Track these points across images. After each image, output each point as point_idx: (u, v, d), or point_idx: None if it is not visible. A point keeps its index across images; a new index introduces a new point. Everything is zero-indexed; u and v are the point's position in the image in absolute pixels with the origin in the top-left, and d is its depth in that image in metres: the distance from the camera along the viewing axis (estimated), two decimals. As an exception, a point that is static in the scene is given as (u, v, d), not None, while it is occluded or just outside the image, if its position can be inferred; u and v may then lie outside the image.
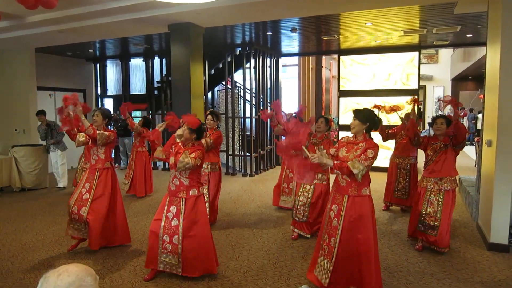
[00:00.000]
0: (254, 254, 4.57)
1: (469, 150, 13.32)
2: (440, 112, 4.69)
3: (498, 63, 4.51)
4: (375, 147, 3.40)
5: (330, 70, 16.38)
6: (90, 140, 4.68)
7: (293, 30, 7.86)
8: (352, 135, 3.61)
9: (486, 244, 4.67)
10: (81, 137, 4.67)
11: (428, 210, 4.51)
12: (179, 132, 3.79)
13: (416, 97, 4.73)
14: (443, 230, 4.43)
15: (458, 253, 4.51)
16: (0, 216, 6.30)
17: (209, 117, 5.58)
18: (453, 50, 17.85)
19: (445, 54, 19.67)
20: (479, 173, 5.51)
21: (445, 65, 19.84)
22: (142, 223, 5.82)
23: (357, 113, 3.52)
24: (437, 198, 4.48)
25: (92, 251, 4.66)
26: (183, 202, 3.80)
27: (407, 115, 6.32)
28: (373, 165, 3.52)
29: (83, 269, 1.39)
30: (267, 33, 8.49)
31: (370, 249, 3.39)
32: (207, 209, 5.20)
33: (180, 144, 3.77)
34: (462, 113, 16.35)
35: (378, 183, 7.39)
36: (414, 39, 9.00)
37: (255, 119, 9.81)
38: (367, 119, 3.49)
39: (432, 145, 4.60)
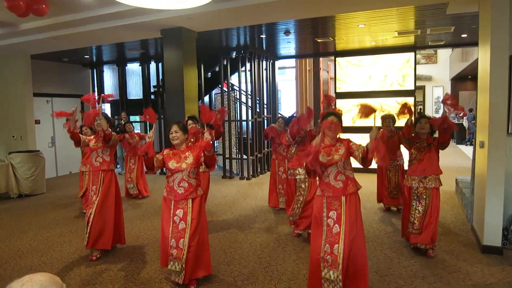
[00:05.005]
0: (245, 258, 4.56)
1: (469, 151, 13.30)
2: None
3: (489, 64, 4.50)
4: (349, 139, 3.57)
5: (328, 71, 16.36)
6: (92, 142, 4.89)
7: (286, 33, 7.86)
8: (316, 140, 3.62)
9: (480, 247, 4.64)
10: (83, 137, 4.90)
11: (418, 209, 4.53)
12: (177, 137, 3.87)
13: (407, 102, 4.70)
14: (426, 227, 4.45)
15: (451, 256, 4.48)
16: (-5, 223, 6.32)
17: (190, 121, 5.65)
18: (452, 50, 17.80)
19: (444, 54, 19.62)
20: (473, 174, 5.50)
21: (444, 65, 19.79)
22: (137, 228, 5.82)
23: (339, 117, 3.57)
24: (425, 197, 4.50)
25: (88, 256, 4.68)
26: (190, 203, 3.80)
27: (385, 116, 6.37)
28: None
29: (48, 278, 1.38)
30: (261, 36, 8.49)
31: (364, 246, 3.47)
32: None
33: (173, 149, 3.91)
34: (462, 113, 16.23)
35: (374, 184, 7.34)
36: (410, 40, 8.98)
37: (252, 122, 9.80)
38: (341, 120, 3.62)
39: (415, 144, 4.61)
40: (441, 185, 4.56)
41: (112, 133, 4.84)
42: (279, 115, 7.42)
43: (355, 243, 3.39)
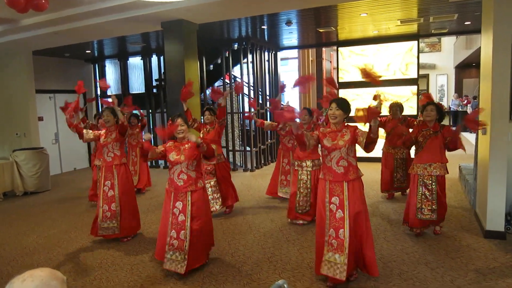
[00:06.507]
0: (249, 248, 4.59)
1: (473, 138, 13.19)
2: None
3: (491, 51, 4.46)
4: (357, 126, 3.58)
5: (331, 62, 16.28)
6: (102, 138, 4.97)
7: (287, 23, 7.81)
8: (324, 125, 3.73)
9: (483, 232, 4.65)
10: (89, 134, 4.99)
11: (425, 194, 4.59)
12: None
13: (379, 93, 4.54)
14: (440, 207, 4.61)
15: (454, 242, 4.49)
16: (2, 220, 6.37)
17: (207, 112, 5.82)
18: (456, 38, 17.63)
19: (448, 42, 19.44)
20: (476, 161, 5.49)
21: (448, 53, 19.62)
22: (141, 222, 5.85)
23: (341, 104, 3.54)
24: (430, 182, 4.56)
25: (90, 246, 4.73)
26: (190, 196, 3.86)
27: (392, 104, 6.34)
28: (366, 155, 3.58)
29: (48, 273, 1.39)
30: (263, 27, 8.45)
31: (370, 230, 3.55)
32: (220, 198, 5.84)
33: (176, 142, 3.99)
34: (465, 101, 16.17)
35: (377, 172, 7.33)
36: (413, 28, 8.90)
37: (254, 114, 9.79)
38: (348, 109, 3.60)
39: (422, 132, 4.60)
40: (447, 173, 4.61)
41: (126, 123, 4.95)
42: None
43: (359, 228, 3.46)
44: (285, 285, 1.89)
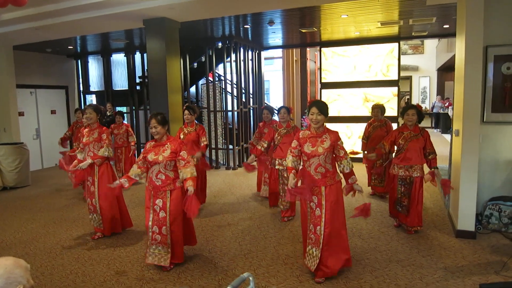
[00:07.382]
0: (227, 245, 4.65)
1: (449, 138, 13.45)
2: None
3: (463, 54, 4.59)
4: (338, 135, 3.70)
5: (315, 62, 16.41)
6: (85, 137, 5.07)
7: (270, 23, 7.87)
8: (304, 128, 3.85)
9: (455, 231, 4.78)
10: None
11: (402, 193, 4.85)
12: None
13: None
14: (413, 211, 4.79)
15: (427, 241, 4.62)
16: (-21, 215, 6.31)
17: (186, 111, 5.86)
18: (438, 40, 17.92)
19: (431, 44, 19.74)
20: (450, 162, 5.64)
21: (431, 56, 19.93)
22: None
23: (321, 109, 3.62)
24: (408, 181, 4.81)
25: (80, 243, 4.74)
26: (169, 194, 3.94)
27: (374, 106, 6.54)
28: (353, 156, 3.74)
29: (12, 262, 1.44)
30: (246, 26, 8.49)
31: (345, 228, 3.74)
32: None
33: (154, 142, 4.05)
34: (447, 103, 16.38)
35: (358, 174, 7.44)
36: (393, 30, 9.05)
37: (237, 112, 9.85)
38: (328, 112, 3.68)
39: (402, 135, 4.76)
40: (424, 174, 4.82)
41: (107, 151, 4.96)
42: (264, 105, 7.65)
43: (335, 223, 3.60)
44: (250, 278, 1.96)
